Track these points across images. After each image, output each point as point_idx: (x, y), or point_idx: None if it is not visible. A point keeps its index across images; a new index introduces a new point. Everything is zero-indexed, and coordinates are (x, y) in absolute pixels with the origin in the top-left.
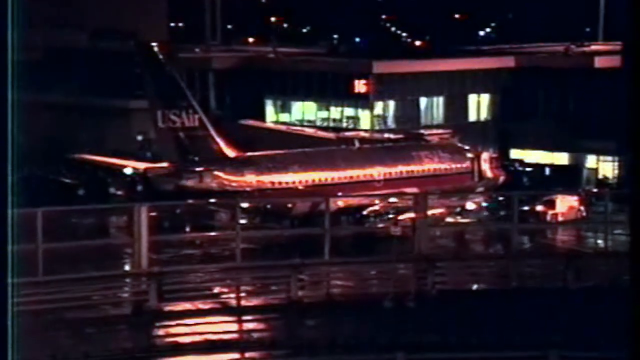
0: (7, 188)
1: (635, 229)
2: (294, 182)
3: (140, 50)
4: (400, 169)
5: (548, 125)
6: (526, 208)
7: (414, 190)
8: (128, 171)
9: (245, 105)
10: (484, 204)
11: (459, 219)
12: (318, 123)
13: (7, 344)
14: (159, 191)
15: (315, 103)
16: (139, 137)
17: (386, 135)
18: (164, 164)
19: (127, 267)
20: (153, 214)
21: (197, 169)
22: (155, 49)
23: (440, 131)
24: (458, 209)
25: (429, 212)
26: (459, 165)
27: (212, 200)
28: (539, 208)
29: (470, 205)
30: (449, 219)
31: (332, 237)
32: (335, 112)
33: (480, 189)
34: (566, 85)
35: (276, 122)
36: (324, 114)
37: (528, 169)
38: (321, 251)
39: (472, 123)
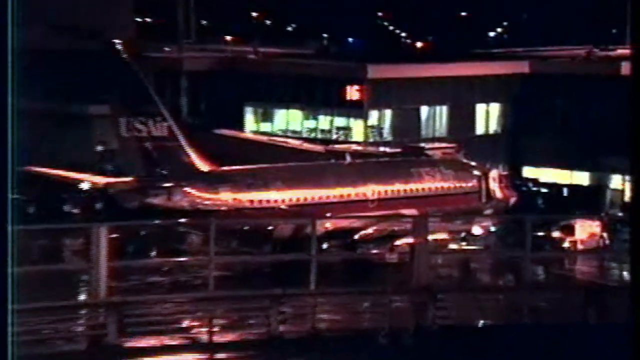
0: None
1: (635, 229)
2: (276, 201)
3: (102, 49)
4: (398, 188)
5: (567, 140)
6: (541, 234)
7: (413, 212)
8: (85, 186)
9: (221, 112)
10: (493, 229)
11: (464, 245)
12: (304, 134)
13: (7, 344)
14: (121, 209)
15: (301, 111)
16: (99, 148)
17: (382, 149)
18: (128, 179)
19: (83, 297)
20: (114, 235)
21: (166, 185)
22: (120, 47)
23: (443, 145)
24: (463, 234)
25: (430, 237)
26: (464, 184)
27: (183, 220)
28: (556, 234)
29: (476, 230)
30: (453, 245)
31: (319, 263)
32: (324, 121)
33: (489, 212)
34: (588, 94)
35: (257, 132)
36: (311, 123)
37: (543, 190)
38: (306, 280)
39: (479, 136)
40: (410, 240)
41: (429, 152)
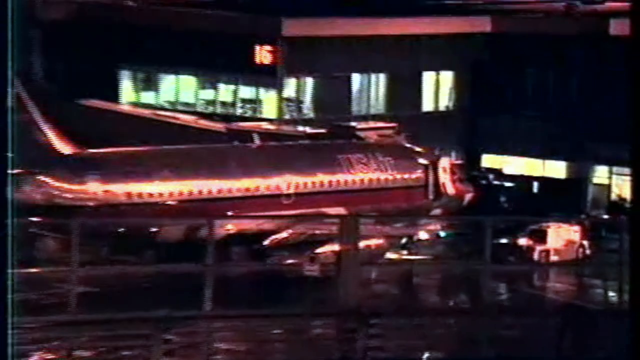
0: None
1: (635, 228)
2: (161, 195)
3: None
4: (321, 179)
5: (538, 120)
6: (504, 241)
7: (340, 211)
8: None
9: (88, 77)
10: (442, 234)
11: (405, 255)
12: (200, 108)
13: (7, 343)
14: None
15: (195, 78)
16: None
17: (300, 128)
18: None
19: None
20: None
21: (12, 172)
22: None
23: (380, 125)
24: (404, 240)
25: (361, 244)
26: (406, 176)
27: (35, 219)
28: (523, 241)
29: (422, 235)
30: (391, 255)
31: (217, 277)
32: (225, 92)
33: (437, 212)
34: (567, 61)
35: (136, 105)
36: (208, 94)
37: (507, 184)
38: (200, 298)
39: (426, 114)
40: (336, 247)
41: (362, 134)
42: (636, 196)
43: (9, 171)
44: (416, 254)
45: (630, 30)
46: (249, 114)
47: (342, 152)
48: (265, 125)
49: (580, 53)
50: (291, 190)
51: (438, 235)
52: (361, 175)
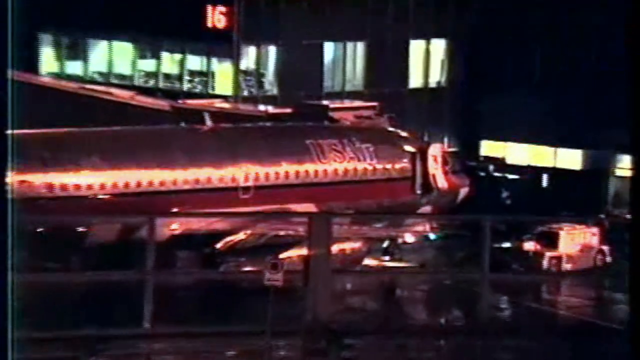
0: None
1: (635, 228)
2: (90, 187)
3: None
4: (286, 169)
5: (549, 99)
6: (506, 245)
7: (309, 207)
8: None
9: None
10: (432, 236)
11: (387, 261)
12: (138, 81)
13: (7, 344)
14: None
15: (133, 45)
16: None
17: (262, 108)
18: None
19: None
20: None
21: None
22: None
23: (358, 104)
24: (385, 244)
25: (334, 248)
26: (389, 166)
27: None
28: (530, 246)
29: (407, 237)
30: (370, 261)
31: (159, 287)
32: (170, 62)
33: (426, 209)
34: (585, 28)
35: (60, 76)
36: (149, 64)
37: (511, 176)
38: (139, 313)
39: (414, 91)
40: (303, 251)
41: (336, 115)
42: (636, 197)
43: None
44: (400, 260)
45: (631, 29)
46: (198, 89)
47: (312, 136)
48: (218, 103)
49: (602, 17)
50: (250, 183)
51: (427, 238)
52: (334, 164)
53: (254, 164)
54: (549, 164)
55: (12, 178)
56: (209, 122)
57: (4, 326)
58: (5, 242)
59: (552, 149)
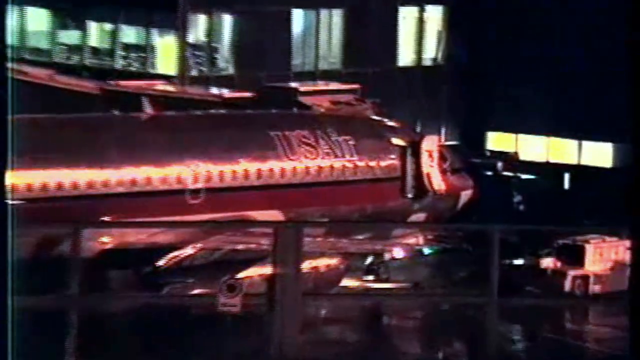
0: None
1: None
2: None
3: None
4: (245, 168)
5: (572, 81)
6: (519, 262)
7: (274, 215)
8: None
9: None
10: (427, 251)
11: (370, 281)
12: (59, 57)
13: (7, 344)
14: None
15: (51, 12)
16: None
17: (214, 91)
18: None
19: None
20: None
21: None
22: None
23: (334, 86)
24: (369, 260)
25: (306, 265)
26: (372, 163)
27: None
28: (548, 263)
29: (396, 252)
30: (349, 282)
31: (86, 314)
32: (99, 33)
33: (419, 217)
34: None
35: None
36: (72, 36)
37: (525, 176)
38: (59, 349)
39: (405, 71)
40: (267, 270)
41: (307, 101)
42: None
43: None
44: (387, 281)
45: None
46: (135, 67)
47: (278, 127)
48: (160, 85)
49: None
50: (200, 184)
51: (421, 253)
52: (305, 162)
53: (205, 161)
54: (572, 160)
55: None
56: (148, 109)
57: (3, 321)
58: (5, 240)
59: (576, 142)
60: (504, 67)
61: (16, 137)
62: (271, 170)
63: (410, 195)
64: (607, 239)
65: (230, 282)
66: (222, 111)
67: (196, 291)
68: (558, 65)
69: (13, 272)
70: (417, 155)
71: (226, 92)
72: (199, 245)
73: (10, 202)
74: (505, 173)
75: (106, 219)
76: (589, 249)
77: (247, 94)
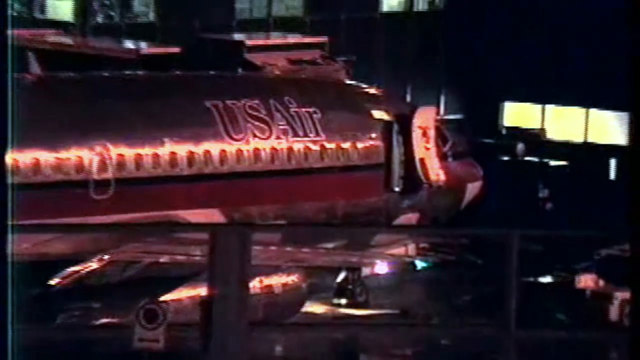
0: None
1: (635, 226)
2: None
3: None
4: (170, 151)
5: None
6: (546, 280)
7: (211, 215)
8: None
9: None
10: (420, 264)
11: (342, 306)
12: None
13: (7, 345)
14: None
15: None
16: None
17: (129, 45)
18: None
19: None
20: None
21: None
22: None
23: (295, 39)
24: (341, 276)
25: (254, 283)
26: (346, 145)
27: None
28: (587, 281)
29: (377, 267)
30: (315, 306)
31: None
32: None
33: (410, 216)
34: None
35: None
36: None
37: (553, 162)
38: None
39: (390, 18)
40: (201, 290)
41: (257, 59)
42: (636, 198)
43: None
44: (366, 305)
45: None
46: (18, 12)
47: (217, 95)
48: (51, 36)
49: None
50: (109, 174)
51: (414, 267)
52: (255, 143)
53: (116, 142)
54: (619, 141)
55: None
56: (35, 69)
57: (3, 321)
58: (5, 240)
59: (625, 114)
60: (521, 12)
61: None
62: (207, 154)
63: (397, 189)
64: None
65: (150, 308)
66: (139, 72)
67: (103, 320)
68: (596, 11)
69: None
70: (407, 134)
71: (144, 47)
72: (106, 257)
73: None
74: (528, 158)
75: None
76: None
77: (174, 49)
